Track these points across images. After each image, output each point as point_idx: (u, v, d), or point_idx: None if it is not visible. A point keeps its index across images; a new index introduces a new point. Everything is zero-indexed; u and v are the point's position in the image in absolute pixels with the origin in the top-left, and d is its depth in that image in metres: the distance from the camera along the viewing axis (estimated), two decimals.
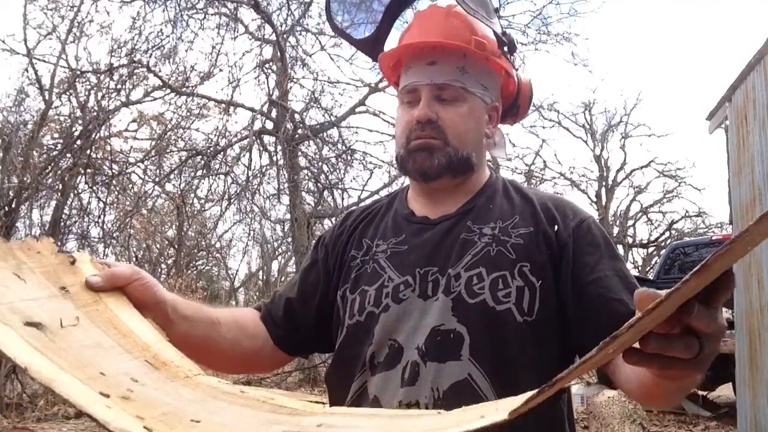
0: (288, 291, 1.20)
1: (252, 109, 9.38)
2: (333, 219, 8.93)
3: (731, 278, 0.54)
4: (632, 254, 18.33)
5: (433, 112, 1.07)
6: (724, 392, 6.98)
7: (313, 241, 1.29)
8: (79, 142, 7.89)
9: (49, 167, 7.91)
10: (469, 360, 0.98)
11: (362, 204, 1.36)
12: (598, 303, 0.98)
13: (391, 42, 1.22)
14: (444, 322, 1.00)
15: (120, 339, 0.73)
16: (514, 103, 1.22)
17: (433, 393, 0.97)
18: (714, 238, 8.50)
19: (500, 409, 0.54)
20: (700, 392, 6.94)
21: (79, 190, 8.54)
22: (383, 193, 8.74)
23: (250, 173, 9.42)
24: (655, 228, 18.14)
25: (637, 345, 0.59)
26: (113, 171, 8.62)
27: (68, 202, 8.30)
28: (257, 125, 9.48)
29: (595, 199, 17.22)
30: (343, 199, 9.70)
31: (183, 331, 0.96)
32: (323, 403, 0.70)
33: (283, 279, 13.60)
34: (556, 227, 1.06)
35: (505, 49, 1.18)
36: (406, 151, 1.10)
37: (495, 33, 1.15)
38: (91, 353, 0.66)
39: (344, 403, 1.05)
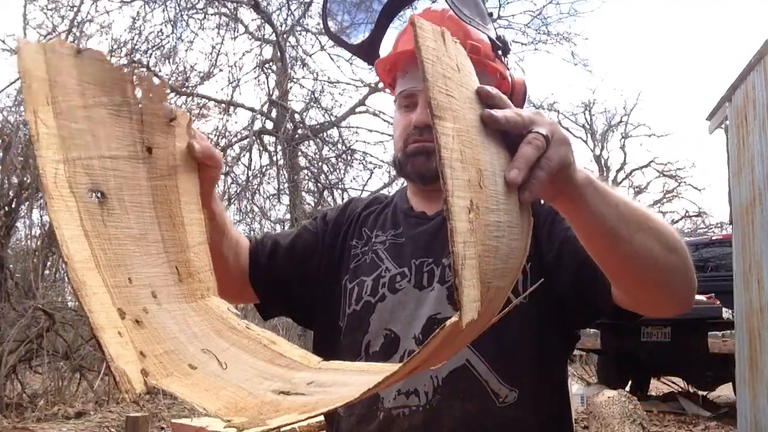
0: (280, 237, 1.22)
1: (252, 109, 9.39)
2: None
3: None
4: None
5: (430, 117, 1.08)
6: (724, 392, 6.98)
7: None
8: None
9: None
10: (468, 346, 0.99)
11: (366, 195, 1.38)
12: (564, 248, 1.01)
13: (387, 45, 1.23)
14: (440, 311, 1.03)
15: (167, 232, 0.74)
16: None
17: (432, 380, 1.00)
18: (714, 238, 8.50)
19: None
20: (700, 392, 6.95)
21: None
22: (383, 192, 8.73)
23: (250, 173, 9.43)
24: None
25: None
26: None
27: None
28: (257, 125, 9.49)
29: None
30: (343, 199, 9.70)
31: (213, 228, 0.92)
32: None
33: None
34: (536, 208, 1.08)
35: (500, 51, 1.19)
36: (404, 155, 1.12)
37: (489, 38, 1.16)
38: (132, 248, 0.68)
39: None
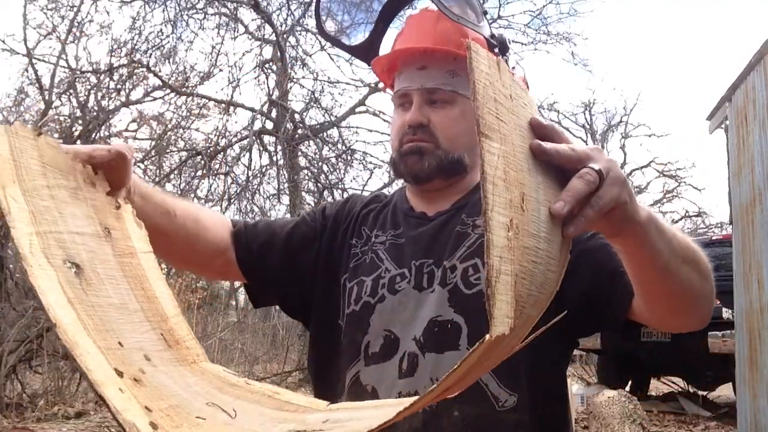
0: (277, 227, 1.21)
1: (252, 109, 9.39)
2: None
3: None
4: None
5: (423, 116, 1.09)
6: (724, 392, 6.98)
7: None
8: (79, 142, 7.89)
9: None
10: (468, 350, 0.98)
11: (365, 194, 1.38)
12: (582, 258, 0.98)
13: (386, 45, 1.23)
14: (441, 314, 1.02)
15: (144, 303, 0.75)
16: None
17: (433, 383, 0.98)
18: (714, 238, 8.49)
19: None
20: (700, 392, 6.95)
21: None
22: (383, 192, 8.73)
23: (250, 173, 9.43)
24: None
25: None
26: None
27: None
28: (257, 125, 9.49)
29: None
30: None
31: (137, 207, 0.92)
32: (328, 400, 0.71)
33: None
34: None
35: (496, 50, 1.19)
36: (399, 155, 1.12)
37: (484, 36, 1.16)
38: (116, 315, 0.69)
39: (333, 391, 1.07)
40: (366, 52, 1.22)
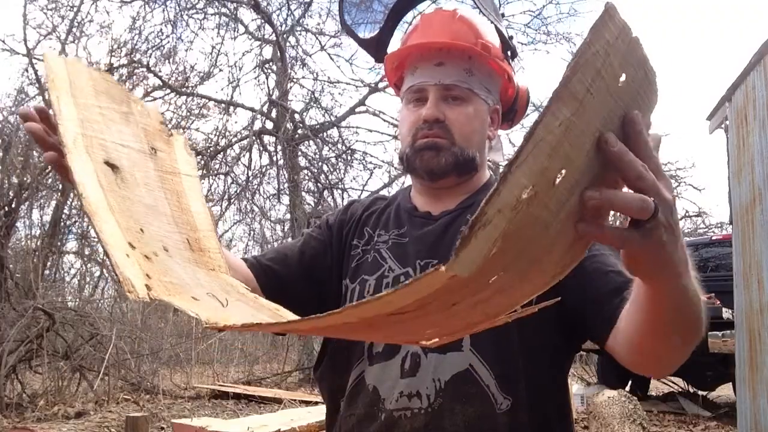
0: (287, 249, 1.21)
1: (252, 109, 9.39)
2: None
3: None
4: None
5: (440, 111, 1.09)
6: (724, 392, 6.98)
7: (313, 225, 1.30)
8: None
9: (49, 167, 7.89)
10: (470, 350, 0.99)
11: (365, 197, 1.38)
12: (595, 275, 0.96)
13: (394, 43, 1.24)
14: None
15: (177, 211, 0.77)
16: (512, 108, 1.24)
17: (435, 383, 0.99)
18: (714, 238, 8.49)
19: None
20: (700, 392, 6.95)
21: None
22: (383, 193, 8.74)
23: (250, 173, 9.43)
24: None
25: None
26: None
27: (68, 202, 8.30)
28: (257, 125, 9.49)
29: None
30: (343, 199, 9.71)
31: None
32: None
33: None
34: None
35: (509, 53, 1.20)
36: (413, 150, 1.11)
37: (502, 37, 1.17)
38: (144, 211, 0.70)
39: (340, 392, 1.07)
40: (375, 47, 1.22)
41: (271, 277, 1.15)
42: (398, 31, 1.25)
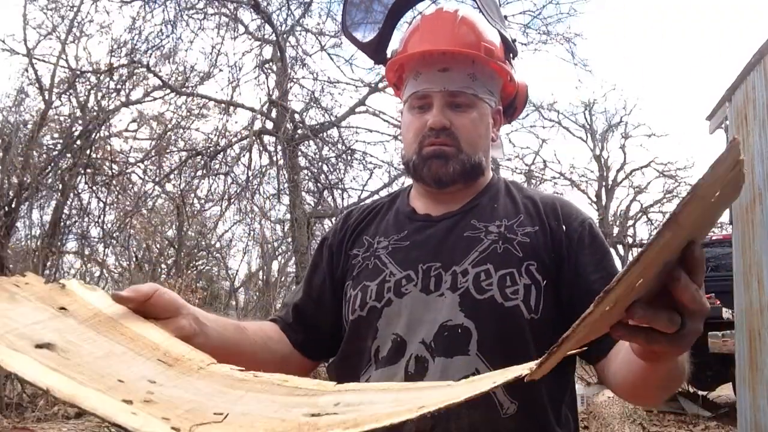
0: (293, 298, 1.22)
1: (252, 109, 9.38)
2: (333, 219, 8.93)
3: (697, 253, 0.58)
4: (632, 254, 18.30)
5: (446, 119, 1.09)
6: (724, 392, 6.98)
7: (315, 243, 1.31)
8: (79, 142, 7.89)
9: (49, 167, 7.91)
10: (477, 355, 0.99)
11: (362, 203, 1.37)
12: (585, 301, 0.99)
13: (393, 44, 1.23)
14: (451, 318, 1.01)
15: (129, 343, 0.74)
16: (511, 104, 1.25)
17: None
18: (714, 238, 8.49)
19: (509, 372, 0.59)
20: (700, 392, 6.95)
21: (79, 190, 8.54)
22: (383, 193, 8.75)
23: (250, 173, 9.42)
24: (656, 228, 18.08)
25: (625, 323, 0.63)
26: (113, 171, 8.62)
27: (68, 202, 8.30)
28: (257, 125, 9.48)
29: (595, 199, 17.17)
30: (343, 199, 9.70)
31: (215, 335, 0.95)
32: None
33: (283, 279, 13.60)
34: (562, 227, 1.09)
35: (510, 54, 1.20)
36: (420, 158, 1.10)
37: (506, 39, 1.17)
38: (106, 363, 0.67)
39: None
40: (374, 49, 1.22)
41: (306, 340, 1.17)
42: (398, 31, 1.25)
